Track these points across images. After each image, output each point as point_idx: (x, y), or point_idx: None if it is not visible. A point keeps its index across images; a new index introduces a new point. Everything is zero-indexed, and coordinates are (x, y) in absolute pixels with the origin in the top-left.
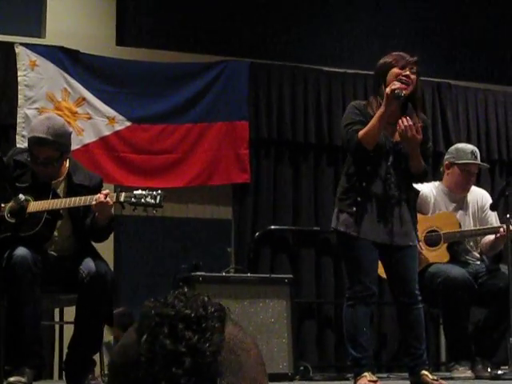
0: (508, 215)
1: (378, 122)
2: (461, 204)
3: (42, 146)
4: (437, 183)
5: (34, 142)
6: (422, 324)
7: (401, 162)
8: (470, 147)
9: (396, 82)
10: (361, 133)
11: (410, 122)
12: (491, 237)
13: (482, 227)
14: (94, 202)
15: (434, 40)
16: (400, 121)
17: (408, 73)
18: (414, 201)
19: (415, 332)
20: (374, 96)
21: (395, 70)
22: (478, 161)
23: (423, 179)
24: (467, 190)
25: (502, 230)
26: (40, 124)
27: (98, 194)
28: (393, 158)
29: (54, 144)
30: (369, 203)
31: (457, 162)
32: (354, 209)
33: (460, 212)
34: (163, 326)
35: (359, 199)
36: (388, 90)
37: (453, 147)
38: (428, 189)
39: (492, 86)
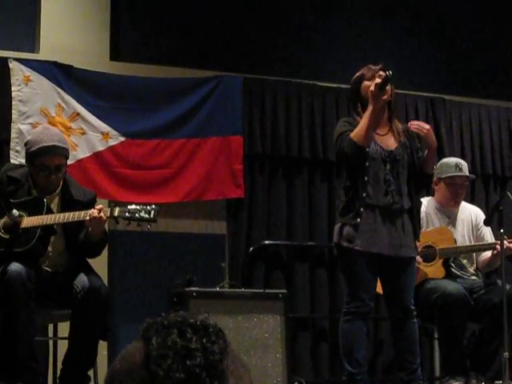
0: (502, 230)
1: (369, 118)
2: (453, 219)
3: (54, 154)
4: (428, 198)
5: (46, 151)
6: (417, 339)
7: (398, 170)
8: (453, 160)
9: (376, 80)
10: (352, 133)
11: (415, 123)
12: (488, 254)
13: (477, 243)
14: (87, 218)
15: (427, 54)
16: (417, 127)
17: (378, 80)
18: (417, 210)
19: (410, 347)
20: (356, 112)
21: (366, 83)
22: (464, 172)
23: (428, 184)
24: (458, 203)
25: (498, 246)
26: (43, 134)
27: (92, 209)
28: (390, 166)
29: (63, 150)
30: (371, 214)
31: (442, 176)
32: (359, 220)
33: (453, 227)
34: (172, 328)
35: (362, 210)
36: (372, 87)
37: (438, 163)
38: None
39: (486, 100)
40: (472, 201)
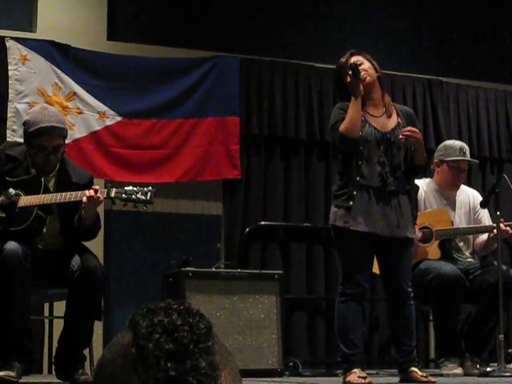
0: (498, 212)
1: (353, 109)
2: (452, 202)
3: (52, 134)
4: (428, 180)
5: (44, 131)
6: (413, 321)
7: (393, 152)
8: (458, 144)
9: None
10: (341, 126)
11: (407, 129)
12: (484, 237)
13: (474, 226)
14: (84, 198)
15: (425, 37)
16: (400, 136)
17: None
18: (414, 193)
19: (406, 329)
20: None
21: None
22: (467, 157)
23: (424, 171)
24: (458, 186)
25: (495, 230)
26: (41, 115)
27: (89, 190)
28: (384, 148)
29: (62, 130)
30: (366, 196)
31: (446, 159)
32: (351, 203)
33: (451, 210)
34: (158, 310)
35: (355, 193)
36: (348, 79)
37: (441, 145)
38: (419, 185)
39: (483, 83)
40: (469, 183)
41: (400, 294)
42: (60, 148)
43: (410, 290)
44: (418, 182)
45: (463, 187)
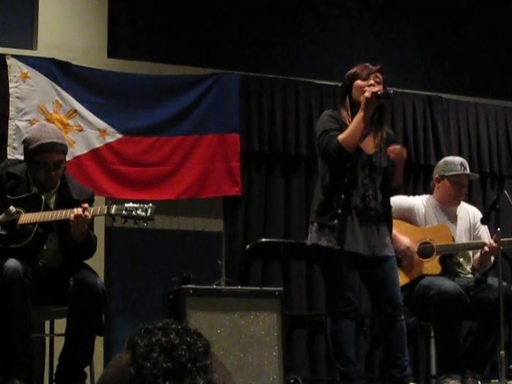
0: (499, 229)
1: (358, 125)
2: (452, 218)
3: (53, 150)
4: (427, 196)
5: (45, 148)
6: (405, 336)
7: (375, 175)
8: (458, 159)
9: (372, 87)
10: (341, 136)
11: (397, 147)
12: (479, 253)
13: (475, 241)
14: (72, 216)
15: (425, 53)
16: (391, 150)
17: (372, 82)
18: (390, 215)
19: (400, 344)
20: (343, 107)
21: (358, 82)
22: (468, 171)
23: (397, 193)
24: (459, 202)
25: (486, 248)
26: (41, 131)
27: (77, 208)
28: (368, 170)
29: (62, 146)
30: (349, 215)
31: (447, 174)
32: (336, 222)
33: (452, 225)
34: (156, 330)
35: (340, 211)
36: (367, 94)
37: (441, 161)
38: (419, 201)
39: (483, 99)
40: (469, 199)
41: (393, 309)
42: (61, 164)
43: (400, 303)
44: (416, 197)
45: (463, 204)
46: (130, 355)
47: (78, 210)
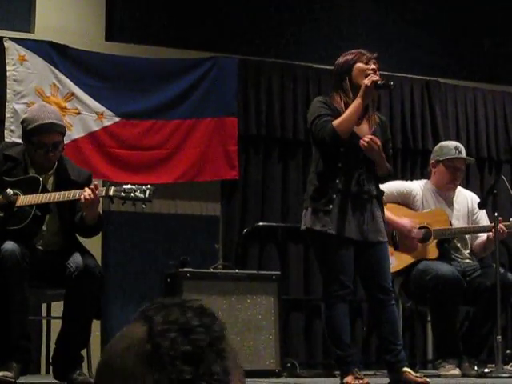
0: (496, 213)
1: (355, 111)
2: (449, 202)
3: (51, 131)
4: (424, 181)
5: (43, 128)
6: (397, 320)
7: (368, 160)
8: (453, 143)
9: (373, 75)
10: (336, 121)
11: (369, 137)
12: (483, 238)
13: (472, 226)
14: (82, 196)
15: (423, 38)
16: (361, 141)
17: (374, 66)
18: (381, 199)
19: (393, 328)
20: (336, 92)
21: (360, 65)
22: (463, 155)
23: (387, 180)
24: (455, 186)
25: (495, 232)
26: (40, 112)
27: (86, 188)
28: (362, 154)
29: (61, 127)
30: (344, 200)
31: (441, 158)
32: (331, 206)
33: (449, 210)
34: (173, 307)
35: (334, 196)
36: (367, 81)
37: (437, 146)
38: (416, 185)
39: (481, 84)
40: (467, 184)
41: (383, 294)
42: (59, 145)
43: (390, 288)
44: (414, 182)
45: (461, 189)
46: (146, 330)
47: (86, 191)
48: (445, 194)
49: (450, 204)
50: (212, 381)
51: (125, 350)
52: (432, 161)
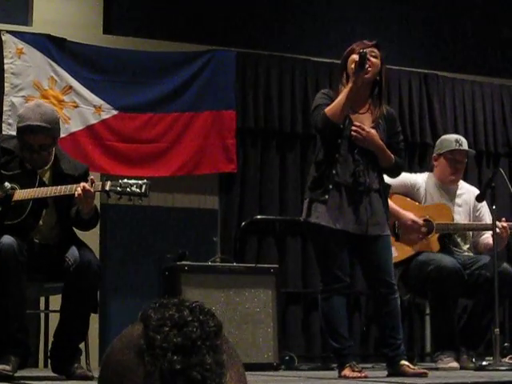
0: (494, 206)
1: (346, 96)
2: (452, 196)
3: (37, 133)
4: (428, 174)
5: (28, 130)
6: (399, 314)
7: (368, 151)
8: (454, 136)
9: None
10: (327, 108)
11: (357, 125)
12: (489, 237)
13: (474, 222)
14: (77, 191)
15: (421, 31)
16: (352, 132)
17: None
18: (385, 192)
19: (393, 322)
20: (338, 85)
21: (353, 57)
22: (464, 148)
23: (396, 173)
24: (457, 179)
25: (497, 230)
26: (32, 112)
27: (82, 183)
28: (360, 146)
29: (49, 131)
30: (338, 191)
31: (442, 151)
32: (327, 196)
33: (451, 205)
34: (170, 305)
35: (331, 187)
36: (352, 65)
37: (438, 140)
38: (420, 178)
39: (479, 77)
40: (465, 177)
41: (386, 287)
42: (47, 148)
43: (393, 282)
44: (418, 175)
45: (465, 185)
46: (142, 328)
47: (84, 186)
48: (447, 187)
49: (453, 198)
50: (203, 371)
51: (122, 346)
52: (434, 155)
